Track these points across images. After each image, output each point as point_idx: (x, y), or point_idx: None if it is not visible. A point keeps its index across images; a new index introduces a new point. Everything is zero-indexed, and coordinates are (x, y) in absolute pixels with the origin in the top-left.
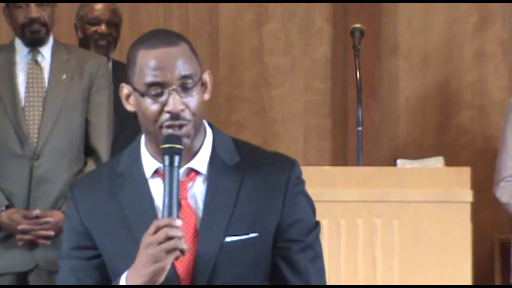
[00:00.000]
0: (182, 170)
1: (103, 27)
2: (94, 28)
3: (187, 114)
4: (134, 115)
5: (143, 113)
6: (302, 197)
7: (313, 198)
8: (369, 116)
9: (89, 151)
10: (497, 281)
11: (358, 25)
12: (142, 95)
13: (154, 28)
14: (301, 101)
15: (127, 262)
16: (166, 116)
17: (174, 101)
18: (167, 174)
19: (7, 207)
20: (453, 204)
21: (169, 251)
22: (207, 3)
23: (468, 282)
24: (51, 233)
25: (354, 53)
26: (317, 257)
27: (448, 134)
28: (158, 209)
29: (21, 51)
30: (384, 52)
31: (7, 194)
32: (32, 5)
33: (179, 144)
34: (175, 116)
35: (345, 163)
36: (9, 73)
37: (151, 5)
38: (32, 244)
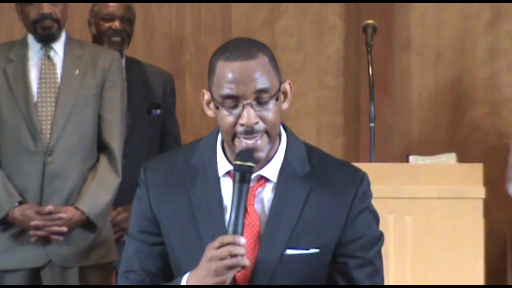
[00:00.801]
0: (253, 176)
1: (117, 23)
2: (108, 24)
3: (261, 127)
4: (146, 112)
5: (219, 122)
6: (367, 213)
7: None
8: (381, 113)
9: (102, 146)
10: (510, 277)
11: (370, 21)
12: (219, 105)
13: (166, 25)
14: (313, 98)
15: (189, 256)
16: (240, 128)
17: (248, 115)
18: (236, 191)
19: (20, 203)
20: (465, 201)
21: (231, 268)
22: (220, 3)
23: (481, 278)
24: (64, 229)
25: (366, 49)
26: (376, 272)
27: (461, 130)
28: (225, 208)
29: (34, 47)
30: (397, 48)
31: (20, 190)
32: (44, 2)
33: (251, 162)
34: (249, 129)
35: (357, 160)
36: (22, 69)
37: (164, 3)
38: (45, 240)
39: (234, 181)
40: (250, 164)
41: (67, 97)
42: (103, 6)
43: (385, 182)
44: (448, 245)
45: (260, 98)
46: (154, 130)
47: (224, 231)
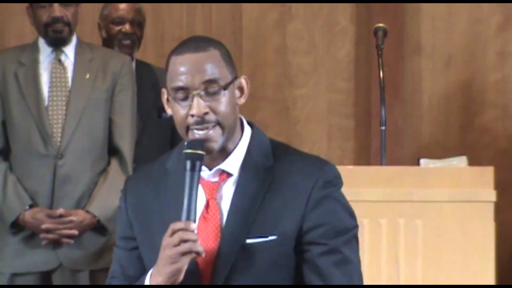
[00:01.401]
0: (213, 171)
1: (127, 27)
2: (118, 28)
3: (212, 117)
4: (157, 115)
5: (174, 117)
6: (330, 201)
7: None
8: (392, 116)
9: (112, 150)
10: None
11: (381, 25)
12: (172, 99)
13: (177, 28)
14: (324, 101)
15: (157, 255)
16: (191, 120)
17: (198, 105)
18: (187, 179)
19: (31, 206)
20: (476, 204)
21: (184, 254)
22: (231, 3)
23: (491, 282)
24: (75, 232)
25: (377, 52)
26: (346, 261)
27: (471, 133)
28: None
29: (45, 51)
30: (408, 51)
31: (30, 193)
32: (55, 4)
33: (201, 150)
34: (199, 119)
35: (368, 163)
36: (33, 72)
37: (175, 5)
38: (55, 243)
39: (184, 170)
40: (199, 152)
41: (78, 101)
42: (113, 9)
43: (396, 185)
44: (458, 248)
45: (208, 89)
46: (164, 133)
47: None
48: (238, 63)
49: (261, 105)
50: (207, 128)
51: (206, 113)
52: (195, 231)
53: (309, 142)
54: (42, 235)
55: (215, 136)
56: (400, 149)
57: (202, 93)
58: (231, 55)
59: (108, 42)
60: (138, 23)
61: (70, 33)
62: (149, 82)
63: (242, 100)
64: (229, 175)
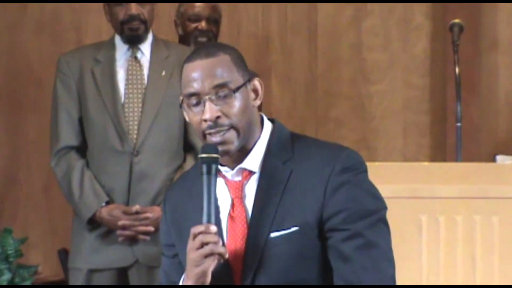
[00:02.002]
0: (235, 170)
1: (203, 24)
2: (194, 25)
3: (224, 121)
4: None
5: (191, 123)
6: (350, 187)
7: (411, 194)
8: (468, 112)
9: (188, 147)
10: None
11: (457, 21)
12: (186, 106)
13: (252, 25)
14: (400, 97)
15: None
16: (205, 124)
17: (209, 110)
18: (205, 183)
19: (107, 203)
20: None
21: (207, 256)
22: (306, 3)
23: None
24: (151, 228)
25: (453, 48)
26: (369, 245)
27: None
28: (219, 207)
29: (121, 48)
30: (484, 47)
31: (107, 190)
32: (132, 2)
33: (215, 153)
34: (212, 124)
35: (444, 159)
36: (109, 70)
37: (250, 3)
38: (132, 240)
39: (201, 174)
40: (214, 155)
41: (153, 98)
42: (189, 6)
43: (472, 182)
44: None
45: (219, 93)
46: None
47: (219, 227)
48: (313, 60)
49: (336, 101)
50: (221, 131)
51: (218, 117)
52: (215, 233)
53: (384, 139)
54: (118, 232)
55: (231, 138)
56: (476, 145)
57: (213, 97)
58: (243, 59)
59: (185, 39)
60: (214, 21)
61: (146, 31)
62: None
63: (257, 102)
64: (251, 173)
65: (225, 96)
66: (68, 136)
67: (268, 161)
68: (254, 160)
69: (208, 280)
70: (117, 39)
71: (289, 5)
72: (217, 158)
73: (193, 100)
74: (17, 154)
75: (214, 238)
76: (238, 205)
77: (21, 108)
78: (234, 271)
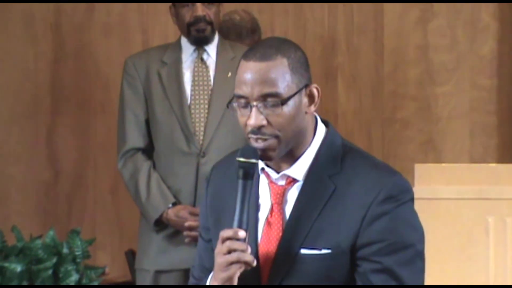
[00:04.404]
0: (279, 175)
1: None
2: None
3: (269, 130)
4: None
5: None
6: (389, 218)
7: (479, 195)
8: None
9: None
10: None
11: None
12: (235, 103)
13: (318, 27)
14: (466, 98)
15: None
16: (249, 128)
17: (254, 117)
18: (240, 187)
19: (174, 204)
20: None
21: (233, 263)
22: (372, 3)
23: None
24: None
25: None
26: (399, 281)
27: None
28: (259, 206)
29: (187, 50)
30: None
31: (174, 192)
32: (198, 4)
33: (254, 158)
34: (255, 130)
35: (511, 160)
36: (175, 71)
37: (316, 4)
38: None
39: (237, 178)
40: (252, 161)
41: (219, 100)
42: None
43: None
44: None
45: (267, 101)
46: None
47: (254, 230)
48: (379, 61)
49: (403, 103)
50: (264, 139)
51: (263, 126)
52: (244, 239)
53: (451, 140)
54: (185, 233)
55: (273, 146)
56: None
57: (260, 105)
58: (305, 60)
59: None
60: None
61: (212, 32)
62: None
63: (312, 108)
64: (295, 180)
65: (273, 105)
66: (135, 138)
67: (314, 171)
68: (300, 168)
69: (234, 283)
70: (184, 41)
71: (355, 5)
72: (254, 164)
73: (241, 102)
74: (85, 156)
75: (242, 245)
76: (277, 211)
77: (88, 110)
78: (262, 276)
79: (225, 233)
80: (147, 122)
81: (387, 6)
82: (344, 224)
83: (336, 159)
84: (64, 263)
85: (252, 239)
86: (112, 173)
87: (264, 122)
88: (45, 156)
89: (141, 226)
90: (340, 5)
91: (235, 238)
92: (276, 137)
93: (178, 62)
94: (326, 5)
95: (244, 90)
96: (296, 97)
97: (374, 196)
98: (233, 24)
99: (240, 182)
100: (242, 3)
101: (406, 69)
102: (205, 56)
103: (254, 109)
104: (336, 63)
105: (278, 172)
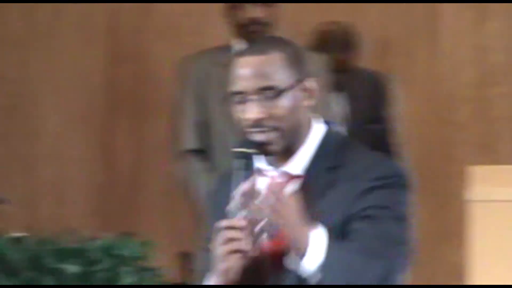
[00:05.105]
0: (277, 173)
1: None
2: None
3: (268, 123)
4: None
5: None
6: (379, 190)
7: None
8: None
9: None
10: None
11: None
12: (232, 100)
13: (373, 29)
14: None
15: None
16: (248, 122)
17: (251, 110)
18: (235, 178)
19: None
20: None
21: (231, 253)
22: (426, 3)
23: None
24: None
25: None
26: (382, 225)
27: None
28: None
29: None
30: None
31: None
32: (253, 5)
33: (251, 148)
34: (254, 124)
35: None
36: (229, 73)
37: (371, 4)
38: None
39: (235, 168)
40: (248, 150)
41: None
42: None
43: None
44: None
45: (264, 94)
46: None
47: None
48: (435, 63)
49: (459, 104)
50: (264, 132)
51: (262, 119)
52: (242, 228)
53: (508, 142)
54: None
55: (274, 139)
56: None
57: (257, 98)
58: (301, 56)
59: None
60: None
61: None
62: (365, 90)
63: (310, 103)
64: (296, 176)
65: (271, 98)
66: (191, 140)
67: (313, 166)
68: (297, 164)
69: (233, 278)
70: (238, 43)
71: (409, 7)
72: (251, 153)
73: (238, 98)
74: (141, 158)
75: (240, 234)
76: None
77: (144, 112)
78: (266, 269)
79: (223, 223)
80: (202, 123)
81: (443, 6)
82: (339, 205)
83: (335, 154)
84: (120, 264)
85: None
86: (168, 175)
87: (263, 115)
88: (101, 158)
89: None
90: (394, 6)
91: (233, 228)
92: (276, 129)
93: (231, 64)
94: (379, 5)
95: (240, 85)
96: (293, 90)
97: (367, 176)
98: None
99: (235, 173)
100: (303, 3)
101: (462, 70)
102: None
103: (252, 103)
104: (391, 65)
105: (276, 169)
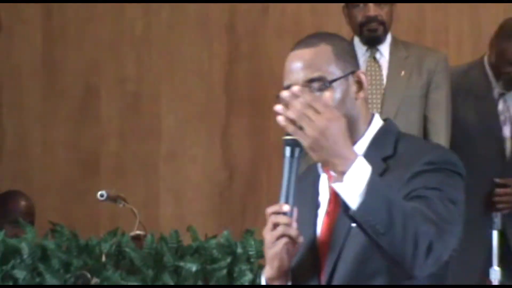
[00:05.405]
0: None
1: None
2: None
3: None
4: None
5: None
6: (429, 174)
7: None
8: None
9: None
10: None
11: None
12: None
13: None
14: None
15: None
16: None
17: None
18: (286, 165)
19: None
20: None
21: (278, 238)
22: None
23: None
24: None
25: None
26: (427, 200)
27: None
28: (319, 203)
29: (360, 49)
30: None
31: None
32: (370, 4)
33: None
34: None
35: None
36: None
37: (491, 4)
38: None
39: (283, 156)
40: (296, 137)
41: (392, 98)
42: None
43: None
44: None
45: (312, 85)
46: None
47: (312, 227)
48: None
49: None
50: None
51: None
52: (290, 214)
53: None
54: None
55: None
56: None
57: (307, 90)
58: (350, 50)
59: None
60: None
61: (385, 32)
62: None
63: (361, 95)
64: None
65: (320, 89)
66: None
67: (368, 157)
68: None
69: (283, 264)
70: (356, 41)
71: None
72: (298, 141)
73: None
74: (259, 157)
75: (285, 219)
76: (334, 202)
77: (263, 111)
78: (320, 259)
79: (270, 208)
80: None
81: None
82: (396, 190)
83: (389, 144)
84: (238, 263)
85: (311, 234)
86: None
87: None
88: (220, 157)
89: None
90: None
91: (279, 213)
92: None
93: None
94: (501, 4)
95: (290, 79)
96: (342, 82)
97: (418, 162)
98: None
99: (286, 160)
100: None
101: None
102: (378, 56)
103: None
104: None
105: None
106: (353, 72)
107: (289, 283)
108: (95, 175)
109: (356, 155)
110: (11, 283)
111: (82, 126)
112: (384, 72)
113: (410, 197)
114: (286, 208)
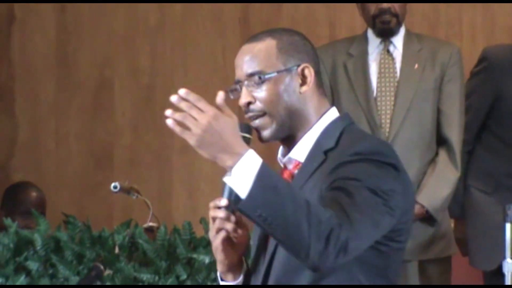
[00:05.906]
0: (285, 159)
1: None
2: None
3: (257, 106)
4: None
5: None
6: (351, 165)
7: None
8: None
9: (441, 140)
10: None
11: None
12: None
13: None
14: None
15: None
16: (242, 108)
17: (242, 95)
18: None
19: None
20: None
21: (217, 232)
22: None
23: None
24: None
25: None
26: (351, 194)
27: None
28: None
29: (373, 42)
30: None
31: None
32: None
33: (247, 133)
34: (245, 109)
35: None
36: (362, 63)
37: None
38: None
39: None
40: (244, 135)
41: (406, 91)
42: None
43: None
44: None
45: (253, 78)
46: None
47: None
48: None
49: None
50: (255, 117)
51: (250, 103)
52: (225, 208)
53: None
54: None
55: (265, 124)
56: None
57: (247, 83)
58: (301, 45)
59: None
60: None
61: (398, 24)
62: None
63: (304, 88)
64: (301, 162)
65: (259, 83)
66: None
67: (314, 151)
68: (301, 150)
69: (227, 258)
70: (370, 33)
71: None
72: (247, 138)
73: (236, 86)
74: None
75: (221, 213)
76: None
77: None
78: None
79: (211, 203)
80: None
81: None
82: (316, 184)
83: (334, 137)
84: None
85: None
86: None
87: (250, 99)
88: None
89: None
90: None
91: (216, 207)
92: (265, 114)
93: (364, 54)
94: None
95: (236, 73)
96: (282, 75)
97: (345, 153)
98: None
99: None
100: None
101: None
102: (391, 48)
103: (243, 89)
104: None
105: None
106: (296, 66)
107: (241, 277)
108: (108, 167)
109: (245, 149)
110: (24, 275)
111: (96, 118)
112: (398, 65)
113: (330, 188)
114: (223, 202)
